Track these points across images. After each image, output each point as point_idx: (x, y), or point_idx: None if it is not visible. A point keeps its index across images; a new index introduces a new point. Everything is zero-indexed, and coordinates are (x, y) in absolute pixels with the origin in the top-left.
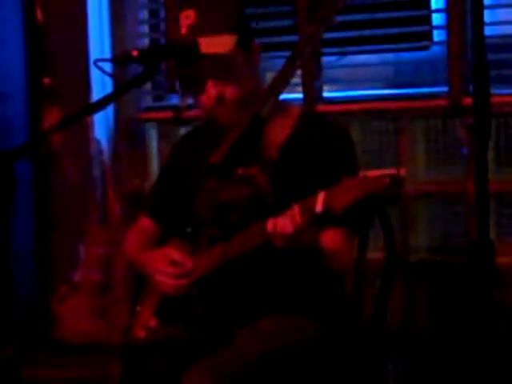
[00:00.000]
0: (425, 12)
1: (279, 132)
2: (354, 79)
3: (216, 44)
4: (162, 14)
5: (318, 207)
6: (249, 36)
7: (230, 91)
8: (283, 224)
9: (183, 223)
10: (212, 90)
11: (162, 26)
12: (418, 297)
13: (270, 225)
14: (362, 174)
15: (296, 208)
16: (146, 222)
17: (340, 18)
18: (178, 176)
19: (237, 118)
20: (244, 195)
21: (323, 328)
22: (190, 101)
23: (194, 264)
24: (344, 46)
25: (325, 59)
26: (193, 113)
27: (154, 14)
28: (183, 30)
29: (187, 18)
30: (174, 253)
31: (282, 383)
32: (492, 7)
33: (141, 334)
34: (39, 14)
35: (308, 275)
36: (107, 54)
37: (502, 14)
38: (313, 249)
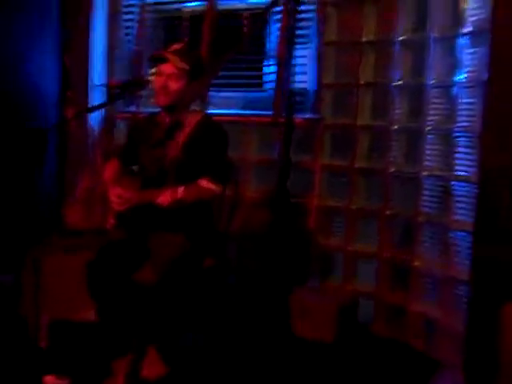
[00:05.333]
0: (262, 72)
1: (186, 130)
2: (224, 103)
3: (177, 62)
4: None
5: (179, 194)
6: (198, 73)
7: (171, 85)
8: (164, 199)
9: (133, 164)
10: (164, 75)
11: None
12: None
13: (159, 199)
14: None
15: (169, 191)
16: (115, 161)
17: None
18: (133, 142)
19: (165, 104)
20: (160, 157)
21: (193, 242)
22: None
23: (130, 197)
24: (220, 86)
25: (211, 92)
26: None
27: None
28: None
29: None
30: (120, 190)
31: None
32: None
33: (108, 225)
34: (67, 61)
35: (189, 210)
36: (102, 82)
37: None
38: (187, 201)
